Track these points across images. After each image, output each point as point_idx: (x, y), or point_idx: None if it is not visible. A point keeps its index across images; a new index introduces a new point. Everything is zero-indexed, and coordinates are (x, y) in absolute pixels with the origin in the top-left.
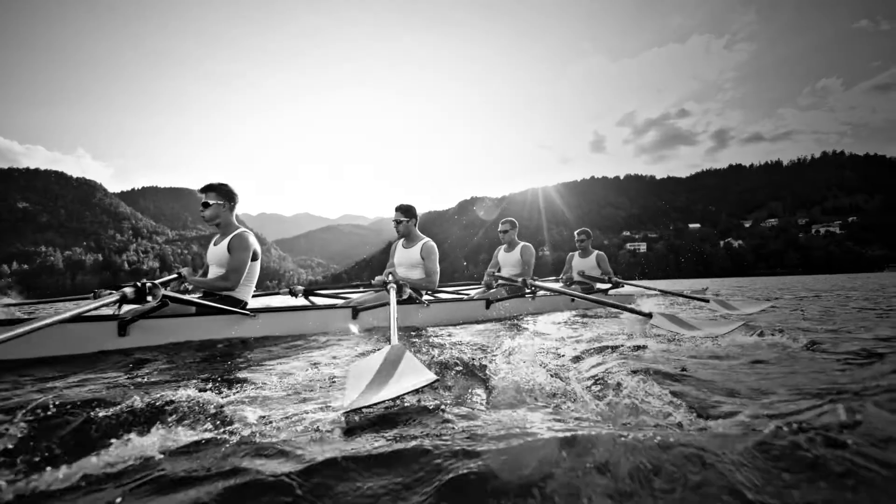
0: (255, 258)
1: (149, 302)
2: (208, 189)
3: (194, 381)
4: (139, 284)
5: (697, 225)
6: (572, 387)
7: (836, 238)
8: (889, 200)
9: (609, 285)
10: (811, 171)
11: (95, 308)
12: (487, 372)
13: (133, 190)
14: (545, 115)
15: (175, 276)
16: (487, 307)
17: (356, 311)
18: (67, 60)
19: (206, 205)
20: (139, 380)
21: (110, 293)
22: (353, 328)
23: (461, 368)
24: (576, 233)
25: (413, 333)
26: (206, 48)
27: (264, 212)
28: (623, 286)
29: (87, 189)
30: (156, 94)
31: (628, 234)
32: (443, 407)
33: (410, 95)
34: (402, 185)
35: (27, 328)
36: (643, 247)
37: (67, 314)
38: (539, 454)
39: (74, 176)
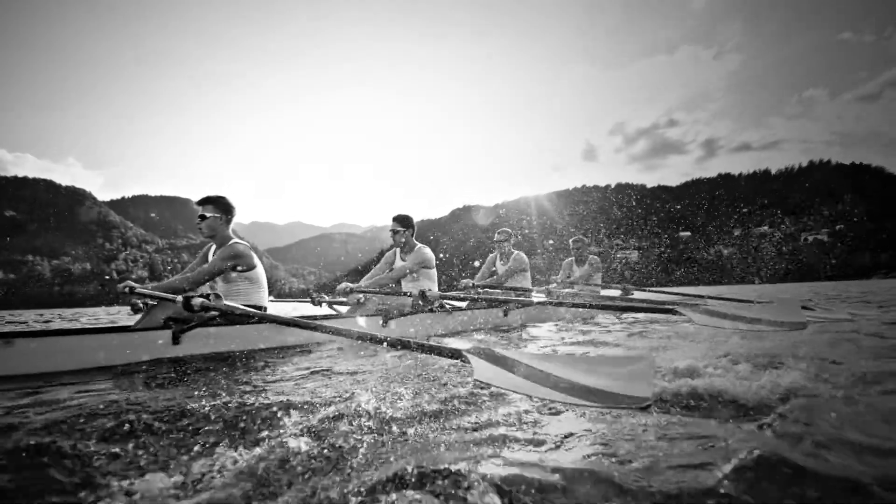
0: (249, 268)
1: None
2: (206, 202)
3: (245, 389)
4: (206, 295)
5: (688, 233)
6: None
7: (824, 246)
8: (875, 209)
9: (618, 292)
10: (799, 180)
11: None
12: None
13: (123, 198)
14: (537, 123)
15: (126, 290)
16: (505, 315)
17: (386, 320)
18: (60, 64)
19: (202, 217)
20: (194, 388)
21: (172, 302)
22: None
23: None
24: (571, 240)
25: (442, 339)
26: (206, 48)
27: (256, 220)
28: (632, 293)
29: (76, 198)
30: (152, 97)
31: (619, 242)
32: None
33: (409, 96)
34: (401, 186)
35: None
36: (634, 255)
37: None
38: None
39: (63, 184)
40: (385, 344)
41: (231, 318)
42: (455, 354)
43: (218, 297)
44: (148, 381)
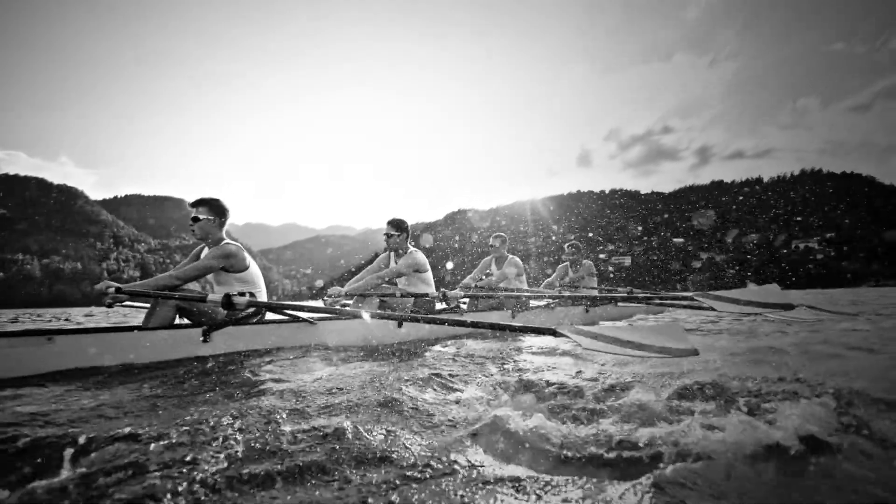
0: (242, 269)
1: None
2: (199, 203)
3: (272, 389)
4: (242, 293)
5: (681, 239)
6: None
7: (815, 253)
8: (866, 218)
9: (622, 294)
10: (791, 188)
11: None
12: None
13: (116, 198)
14: (534, 126)
15: (110, 290)
16: (514, 316)
17: (401, 323)
18: (56, 63)
19: (195, 219)
20: (220, 387)
21: (217, 299)
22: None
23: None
24: (566, 245)
25: (462, 340)
26: (205, 48)
27: (250, 222)
28: (637, 295)
29: (67, 196)
30: (148, 97)
31: (613, 247)
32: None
33: (406, 97)
34: (396, 188)
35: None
36: (627, 260)
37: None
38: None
39: (55, 182)
40: (471, 328)
41: (261, 315)
42: (550, 332)
43: (253, 294)
44: (177, 378)
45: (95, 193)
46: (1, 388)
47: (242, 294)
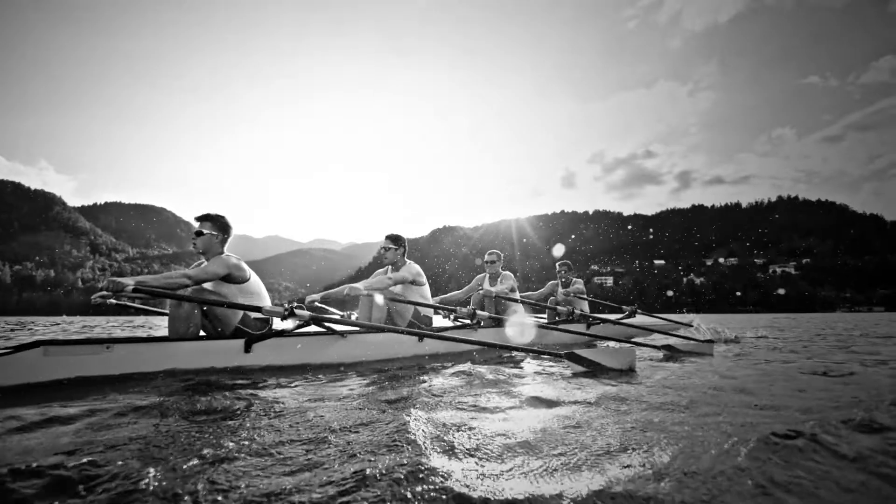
0: (243, 280)
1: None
2: (205, 219)
3: (305, 408)
4: (302, 303)
5: (662, 262)
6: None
7: (791, 278)
8: (839, 244)
9: (622, 314)
10: (768, 214)
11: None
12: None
13: (95, 205)
14: (518, 149)
15: (125, 289)
16: (523, 335)
17: (422, 337)
18: (40, 64)
19: (199, 233)
20: (252, 403)
21: (279, 306)
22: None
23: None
24: (557, 264)
25: (477, 356)
26: (199, 52)
27: (234, 233)
28: (634, 315)
29: (44, 202)
30: (135, 101)
31: (596, 268)
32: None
33: (394, 114)
34: (382, 204)
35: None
36: (609, 281)
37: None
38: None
39: (32, 188)
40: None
41: (305, 328)
42: (556, 357)
43: (301, 306)
44: (219, 387)
45: (74, 200)
46: (75, 390)
47: (301, 305)
